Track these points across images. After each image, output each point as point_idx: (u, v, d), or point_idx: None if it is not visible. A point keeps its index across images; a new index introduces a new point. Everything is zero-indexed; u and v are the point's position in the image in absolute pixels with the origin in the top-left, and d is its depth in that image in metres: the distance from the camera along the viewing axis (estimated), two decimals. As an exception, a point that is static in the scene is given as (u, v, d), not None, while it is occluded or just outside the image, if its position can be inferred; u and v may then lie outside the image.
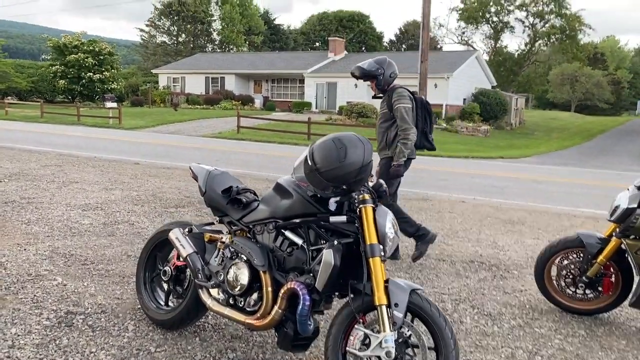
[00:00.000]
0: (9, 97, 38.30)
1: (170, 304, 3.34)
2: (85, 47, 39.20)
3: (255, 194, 3.14)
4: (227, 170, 3.42)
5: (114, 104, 26.57)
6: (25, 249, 4.84)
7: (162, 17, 57.77)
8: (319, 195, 2.56)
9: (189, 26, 57.53)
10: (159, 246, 3.44)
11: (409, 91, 4.77)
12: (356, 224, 2.49)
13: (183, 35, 59.15)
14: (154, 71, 45.42)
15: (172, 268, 3.27)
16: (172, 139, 18.88)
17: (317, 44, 66.09)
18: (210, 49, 59.91)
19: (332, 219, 2.52)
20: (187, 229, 3.19)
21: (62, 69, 38.66)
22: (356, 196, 2.46)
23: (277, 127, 22.82)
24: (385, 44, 70.73)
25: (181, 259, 3.13)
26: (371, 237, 2.42)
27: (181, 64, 44.58)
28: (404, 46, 71.06)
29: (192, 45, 58.31)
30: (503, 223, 7.15)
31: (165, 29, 58.71)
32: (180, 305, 3.18)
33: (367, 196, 2.48)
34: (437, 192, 9.71)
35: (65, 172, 9.66)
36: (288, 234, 2.71)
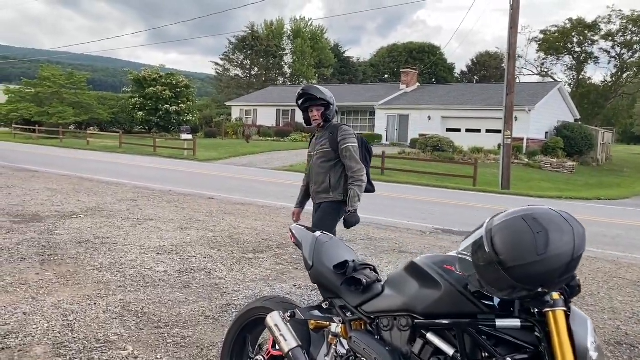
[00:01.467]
0: (91, 128, 40.24)
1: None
2: (163, 80, 40.71)
3: (375, 270, 2.41)
4: (338, 237, 2.73)
5: (189, 136, 26.98)
6: (95, 303, 4.35)
7: (236, 51, 59.53)
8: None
9: (261, 60, 58.87)
10: (250, 326, 2.78)
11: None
12: (537, 333, 1.70)
13: (256, 69, 60.58)
14: (227, 103, 46.52)
15: (266, 358, 2.59)
16: (245, 171, 18.69)
17: (387, 75, 65.75)
18: (281, 82, 60.94)
19: (500, 322, 1.74)
20: (288, 314, 2.50)
21: (141, 100, 40.25)
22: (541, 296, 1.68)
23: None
24: (456, 75, 69.34)
25: (278, 348, 2.44)
26: (565, 355, 1.62)
27: (253, 96, 45.39)
28: (475, 78, 69.33)
29: (264, 78, 59.53)
30: (634, 285, 6.03)
31: (239, 62, 60.41)
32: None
33: (556, 295, 1.69)
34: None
35: (140, 208, 9.40)
36: (432, 337, 1.95)
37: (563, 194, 16.77)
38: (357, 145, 4.14)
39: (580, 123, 34.35)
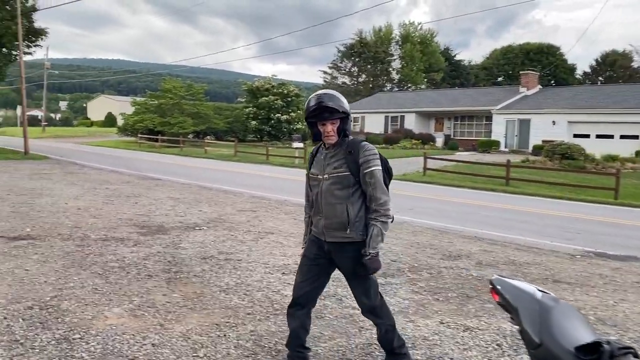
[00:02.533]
0: (208, 137, 42.12)
1: None
2: (274, 90, 41.69)
3: (637, 355, 1.64)
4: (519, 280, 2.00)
5: (300, 144, 27.13)
6: (225, 335, 3.95)
7: (344, 59, 59.70)
8: None
9: (369, 66, 58.51)
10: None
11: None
12: None
13: (363, 76, 60.35)
14: (335, 111, 46.60)
15: None
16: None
17: (501, 78, 62.51)
18: (388, 88, 60.13)
19: None
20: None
21: (254, 110, 41.54)
22: None
23: (467, 169, 20.92)
24: (578, 76, 64.15)
25: None
26: None
27: (361, 103, 45.06)
28: (600, 79, 63.63)
29: (371, 85, 59.11)
30: None
31: (347, 70, 60.53)
32: None
33: None
34: None
35: (259, 219, 9.17)
36: None
37: None
38: (381, 169, 3.17)
39: None
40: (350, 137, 3.21)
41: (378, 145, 34.72)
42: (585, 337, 1.65)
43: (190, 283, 5.28)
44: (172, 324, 4.14)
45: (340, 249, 3.19)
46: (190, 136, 41.97)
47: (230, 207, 10.48)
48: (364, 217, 3.13)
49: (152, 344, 3.71)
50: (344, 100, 3.18)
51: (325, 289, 5.22)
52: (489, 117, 34.09)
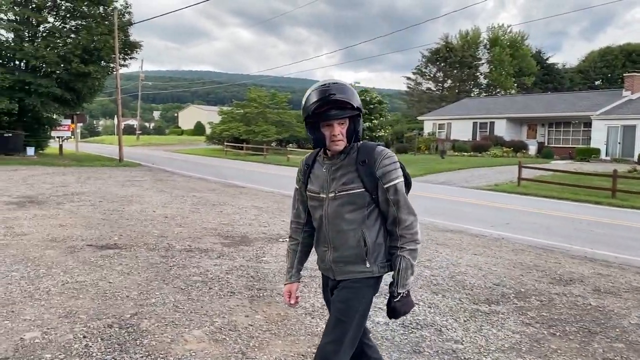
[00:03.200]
0: (291, 144, 42.52)
1: None
2: (357, 97, 41.36)
3: None
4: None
5: (383, 152, 26.50)
6: (311, 370, 3.51)
7: (429, 64, 58.31)
8: None
9: (455, 71, 56.73)
10: None
11: None
12: None
13: (449, 81, 58.60)
14: (419, 118, 45.50)
15: None
16: (443, 190, 17.30)
17: (598, 82, 58.34)
18: (476, 93, 57.96)
19: None
20: None
21: (336, 117, 41.39)
22: None
23: (565, 179, 19.33)
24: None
25: None
26: None
27: (447, 109, 43.63)
28: None
29: (457, 90, 57.24)
30: None
31: (431, 75, 59.06)
32: None
33: None
34: None
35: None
36: None
37: None
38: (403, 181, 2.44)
39: None
40: (361, 142, 2.44)
41: (465, 153, 33.30)
42: None
43: (274, 303, 4.91)
44: (255, 351, 3.76)
45: (354, 287, 2.41)
46: (274, 144, 42.57)
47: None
48: (384, 245, 2.42)
49: (233, 377, 3.34)
50: (356, 93, 2.37)
51: (421, 317, 4.68)
52: (587, 123, 31.68)
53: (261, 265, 6.32)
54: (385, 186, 2.34)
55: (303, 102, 2.36)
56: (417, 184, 18.28)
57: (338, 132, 2.33)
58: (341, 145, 2.36)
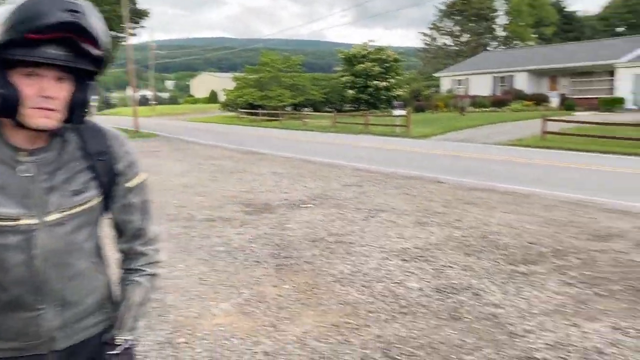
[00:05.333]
0: (306, 108, 41.98)
1: None
2: (372, 56, 40.39)
3: None
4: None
5: (402, 111, 25.79)
6: (347, 341, 3.33)
7: (445, 19, 56.66)
8: None
9: (471, 24, 55.06)
10: None
11: None
12: None
13: (466, 35, 56.96)
14: (436, 74, 44.44)
15: None
16: (466, 148, 16.88)
17: (622, 29, 56.11)
18: (494, 47, 56.35)
19: None
20: None
21: (351, 78, 40.60)
22: None
23: (591, 131, 18.71)
24: None
25: None
26: None
27: (465, 65, 42.49)
28: None
29: (474, 44, 55.67)
30: None
31: (448, 30, 57.45)
32: None
33: None
34: None
35: (367, 195, 8.48)
36: None
37: None
38: None
39: None
40: (86, 122, 1.34)
41: (485, 109, 32.47)
42: None
43: (302, 271, 4.73)
44: (286, 324, 3.59)
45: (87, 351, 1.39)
46: (289, 109, 42.08)
47: (335, 182, 9.89)
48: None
49: (265, 352, 3.17)
50: (107, 30, 1.27)
51: (456, 280, 4.46)
52: (610, 72, 30.56)
53: (285, 232, 6.14)
54: (130, 185, 1.44)
55: (4, 15, 1.13)
56: (438, 142, 17.89)
57: (55, 94, 1.21)
58: (54, 119, 1.23)
